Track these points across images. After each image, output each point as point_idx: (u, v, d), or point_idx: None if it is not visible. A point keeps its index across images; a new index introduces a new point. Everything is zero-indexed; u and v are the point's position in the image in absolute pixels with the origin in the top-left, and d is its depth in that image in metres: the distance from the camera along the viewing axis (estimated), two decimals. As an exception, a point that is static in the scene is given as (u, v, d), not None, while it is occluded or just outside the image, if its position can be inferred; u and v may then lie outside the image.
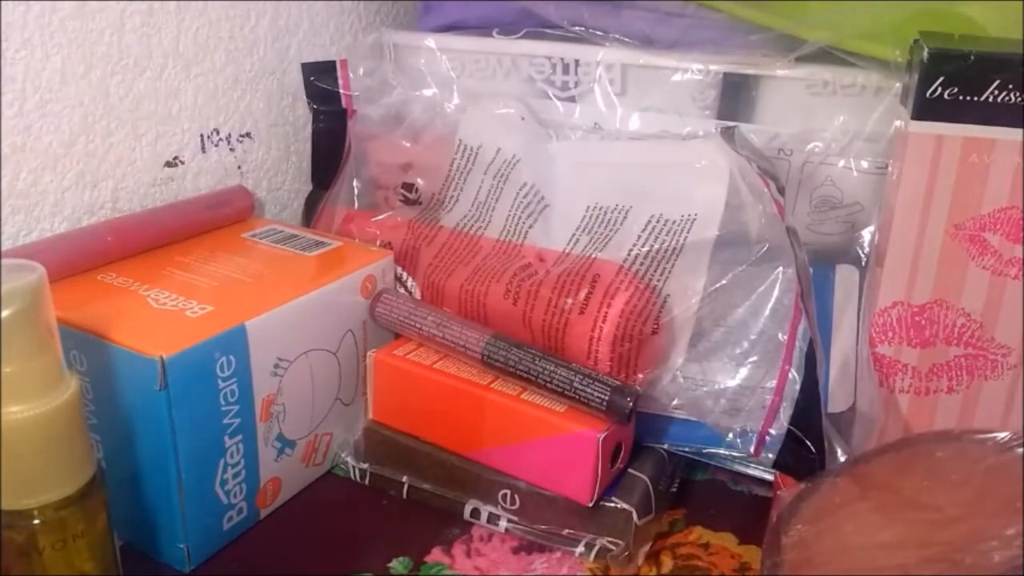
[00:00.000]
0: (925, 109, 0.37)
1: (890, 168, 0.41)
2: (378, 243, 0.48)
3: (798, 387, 0.40)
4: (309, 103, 0.53)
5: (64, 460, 0.27)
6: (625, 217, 0.43)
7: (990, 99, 0.36)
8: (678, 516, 0.41)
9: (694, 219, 0.41)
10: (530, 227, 0.45)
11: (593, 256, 0.42)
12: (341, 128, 0.52)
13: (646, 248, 0.42)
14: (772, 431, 0.41)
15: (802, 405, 0.39)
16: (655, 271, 0.41)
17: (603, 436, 0.37)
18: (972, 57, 0.36)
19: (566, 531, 0.39)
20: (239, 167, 0.54)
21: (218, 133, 0.52)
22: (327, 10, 0.58)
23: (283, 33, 0.55)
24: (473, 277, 0.44)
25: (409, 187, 0.51)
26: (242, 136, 0.54)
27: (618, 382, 0.38)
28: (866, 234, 0.44)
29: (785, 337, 0.40)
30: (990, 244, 0.38)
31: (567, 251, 0.44)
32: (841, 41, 0.42)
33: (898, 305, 0.40)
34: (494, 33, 0.49)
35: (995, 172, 0.37)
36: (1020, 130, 0.37)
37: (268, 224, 0.49)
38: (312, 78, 0.52)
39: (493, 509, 0.40)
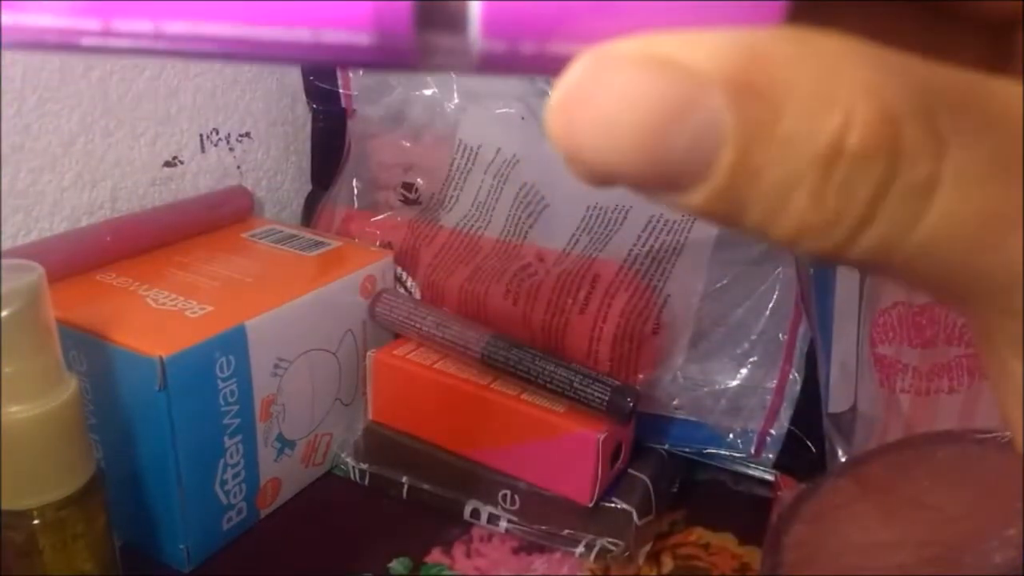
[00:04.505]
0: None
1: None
2: (378, 243, 0.48)
3: (798, 387, 0.40)
4: (309, 103, 0.53)
5: (64, 460, 0.27)
6: (625, 217, 0.43)
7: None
8: (678, 516, 0.41)
9: (694, 218, 0.41)
10: (530, 227, 0.45)
11: (593, 256, 0.42)
12: (341, 128, 0.52)
13: (646, 248, 0.42)
14: (772, 431, 0.41)
15: (802, 405, 0.39)
16: (655, 271, 0.41)
17: (603, 436, 0.37)
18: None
19: (566, 531, 0.39)
20: (238, 167, 0.54)
21: (217, 133, 0.52)
22: (327, 10, 0.57)
23: (283, 33, 0.55)
24: (473, 277, 0.44)
25: (409, 187, 0.51)
26: (241, 136, 0.54)
27: (618, 382, 0.38)
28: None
29: (785, 337, 0.40)
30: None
31: (567, 251, 0.44)
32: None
33: (899, 305, 0.40)
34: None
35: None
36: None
37: (268, 224, 0.49)
38: (312, 78, 0.52)
39: (493, 509, 0.40)
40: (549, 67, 0.10)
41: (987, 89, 0.10)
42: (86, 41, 0.10)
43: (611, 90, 0.09)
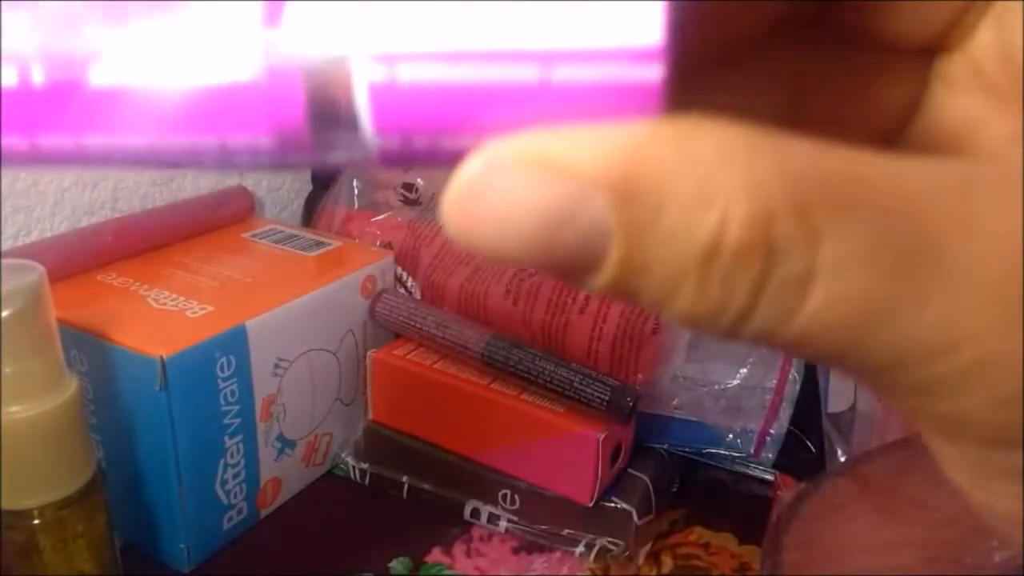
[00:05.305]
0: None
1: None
2: (378, 243, 0.48)
3: (798, 387, 0.40)
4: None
5: (64, 460, 0.27)
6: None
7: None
8: (678, 516, 0.41)
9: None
10: (530, 227, 0.45)
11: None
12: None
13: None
14: (772, 431, 0.41)
15: (802, 405, 0.39)
16: (655, 271, 0.41)
17: (603, 436, 0.37)
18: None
19: (566, 531, 0.39)
20: (239, 167, 0.54)
21: (218, 133, 0.52)
22: (327, 10, 0.58)
23: (283, 33, 0.55)
24: (473, 277, 0.44)
25: (409, 187, 0.51)
26: (242, 136, 0.54)
27: (618, 382, 0.38)
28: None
29: (785, 337, 0.40)
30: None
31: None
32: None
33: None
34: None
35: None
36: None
37: (268, 224, 0.49)
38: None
39: (493, 509, 0.40)
40: (446, 160, 0.10)
41: (863, 172, 0.10)
42: (20, 159, 0.11)
43: (500, 193, 0.10)
